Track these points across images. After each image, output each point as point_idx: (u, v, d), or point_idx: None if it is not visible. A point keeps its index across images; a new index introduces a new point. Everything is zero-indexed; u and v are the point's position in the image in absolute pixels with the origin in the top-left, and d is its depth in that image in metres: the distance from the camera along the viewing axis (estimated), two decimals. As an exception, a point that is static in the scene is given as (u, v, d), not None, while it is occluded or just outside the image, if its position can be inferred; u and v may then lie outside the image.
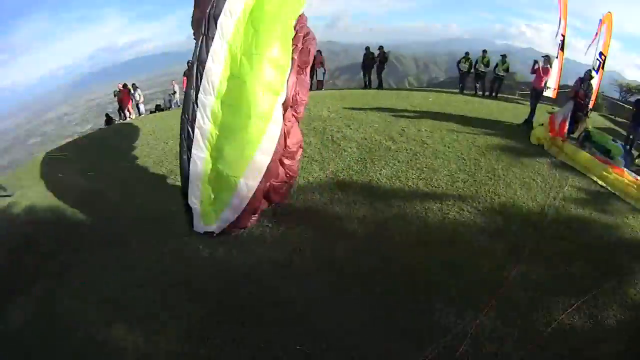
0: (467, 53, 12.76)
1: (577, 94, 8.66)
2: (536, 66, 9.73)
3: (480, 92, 12.69)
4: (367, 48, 13.33)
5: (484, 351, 4.01)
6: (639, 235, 5.89)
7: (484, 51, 12.40)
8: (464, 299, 4.43)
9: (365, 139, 7.59)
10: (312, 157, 6.94)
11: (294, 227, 5.35)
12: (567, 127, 8.16)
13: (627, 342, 4.33)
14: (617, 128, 12.15)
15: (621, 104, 17.32)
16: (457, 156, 7.09)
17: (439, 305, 4.33)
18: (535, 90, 9.73)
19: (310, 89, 13.60)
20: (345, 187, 6.15)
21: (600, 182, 7.07)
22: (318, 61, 12.87)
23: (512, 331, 4.21)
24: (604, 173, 7.24)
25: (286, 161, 5.35)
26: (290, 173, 5.52)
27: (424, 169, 6.66)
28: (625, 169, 7.61)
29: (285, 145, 5.12)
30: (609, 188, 6.97)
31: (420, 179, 6.38)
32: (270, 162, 4.82)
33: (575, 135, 8.84)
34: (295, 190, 6.04)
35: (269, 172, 4.90)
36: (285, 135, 5.03)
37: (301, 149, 5.87)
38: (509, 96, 14.17)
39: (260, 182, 4.87)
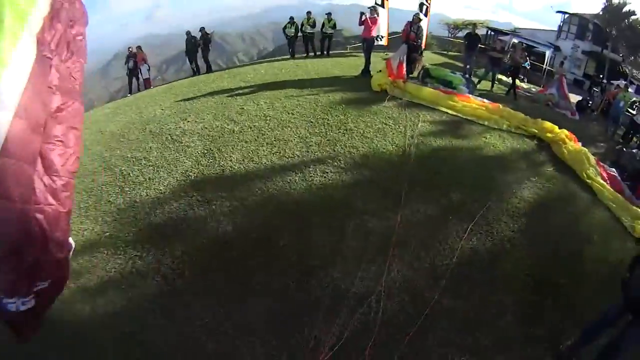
0: (291, 18, 12.73)
1: (408, 36, 9.37)
2: (363, 17, 10.13)
3: (312, 54, 12.86)
4: (188, 33, 12.48)
5: (400, 300, 4.09)
6: (501, 150, 6.72)
7: (309, 12, 12.62)
8: (370, 258, 4.39)
9: (206, 128, 6.87)
10: (157, 164, 6.02)
11: (163, 249, 4.66)
12: (404, 68, 8.69)
13: (526, 246, 4.86)
14: (451, 61, 14.04)
15: (451, 39, 20.48)
16: (303, 121, 6.88)
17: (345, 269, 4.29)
18: (366, 40, 10.20)
19: (138, 90, 12.40)
20: (199, 185, 5.50)
21: (450, 112, 7.65)
22: (140, 58, 12.18)
23: (420, 274, 4.38)
24: (451, 102, 7.89)
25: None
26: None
27: (274, 142, 6.31)
28: (470, 95, 8.50)
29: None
30: (460, 115, 7.62)
31: (273, 154, 6.02)
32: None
33: (415, 74, 9.65)
34: (149, 207, 5.25)
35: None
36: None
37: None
38: (342, 51, 15.01)
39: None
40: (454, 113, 7.65)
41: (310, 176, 5.51)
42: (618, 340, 3.31)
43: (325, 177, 5.51)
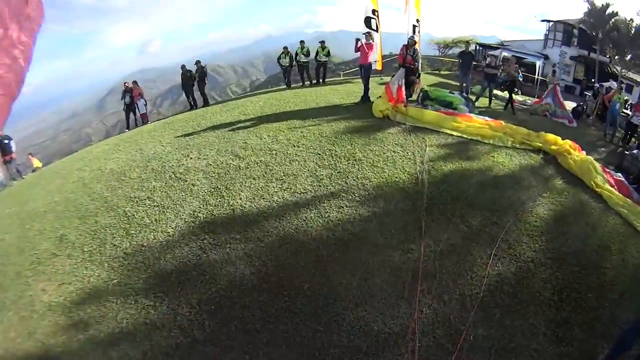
0: (285, 47, 12.85)
1: (405, 60, 9.48)
2: (359, 44, 10.18)
3: (308, 82, 12.96)
4: (183, 67, 12.50)
5: (435, 335, 3.98)
6: (510, 168, 6.71)
7: (302, 42, 12.69)
8: (398, 294, 4.32)
9: (210, 164, 6.75)
10: (162, 205, 5.85)
11: (178, 297, 4.45)
12: (404, 92, 8.73)
13: (550, 264, 4.83)
14: (446, 80, 14.26)
15: (441, 58, 20.96)
16: (310, 153, 6.80)
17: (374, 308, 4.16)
18: (363, 67, 10.16)
19: (136, 125, 12.45)
20: (210, 227, 5.33)
21: (454, 134, 7.67)
22: (136, 93, 12.25)
23: (450, 306, 4.27)
24: (455, 124, 7.93)
25: None
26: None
27: (283, 177, 6.18)
28: (471, 115, 8.54)
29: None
30: (465, 135, 7.64)
31: (284, 190, 5.88)
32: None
33: (414, 97, 9.67)
34: (158, 251, 5.05)
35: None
36: None
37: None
38: (336, 79, 15.23)
39: None
40: (459, 134, 7.68)
41: (326, 212, 5.39)
42: None
43: (341, 212, 5.39)
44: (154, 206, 5.84)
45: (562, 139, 7.54)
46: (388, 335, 3.90)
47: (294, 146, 7.10)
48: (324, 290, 4.33)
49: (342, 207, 5.47)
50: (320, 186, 5.93)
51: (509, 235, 5.14)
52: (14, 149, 10.87)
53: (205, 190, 6.06)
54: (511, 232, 5.19)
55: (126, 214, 5.77)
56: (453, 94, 9.72)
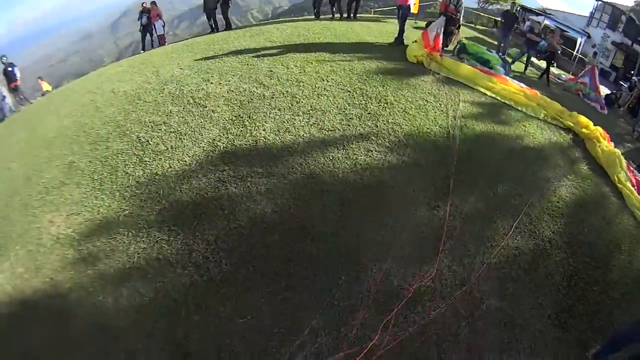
0: (318, -24, 11.79)
1: (447, 8, 8.76)
2: None
3: (338, 15, 12.09)
4: None
5: (452, 299, 3.97)
6: (540, 142, 6.49)
7: (336, -29, 11.62)
8: (422, 252, 4.25)
9: (232, 91, 6.30)
10: (179, 131, 5.46)
11: (193, 232, 4.23)
12: (441, 41, 8.20)
13: (564, 248, 4.78)
14: (481, 36, 13.45)
15: (479, 13, 19.65)
16: (340, 90, 6.39)
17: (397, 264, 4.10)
18: (401, 7, 9.46)
19: (152, 46, 11.67)
20: (230, 158, 5.01)
21: (488, 93, 7.36)
22: (154, 14, 11.44)
23: (469, 271, 4.24)
24: (490, 83, 7.57)
25: None
26: None
27: (311, 111, 5.81)
28: (508, 79, 8.14)
29: None
30: (498, 98, 7.34)
31: (311, 125, 5.55)
32: None
33: (450, 48, 9.13)
34: (173, 181, 4.75)
35: None
36: None
37: None
38: (365, 15, 14.16)
39: None
40: (493, 95, 7.38)
41: (354, 154, 5.13)
42: None
43: (370, 156, 5.15)
44: (170, 132, 5.45)
45: (594, 125, 7.29)
46: (407, 292, 3.86)
47: (323, 80, 6.66)
48: (348, 238, 4.20)
49: (371, 150, 5.23)
50: (349, 125, 5.63)
51: (531, 210, 5.07)
52: (18, 75, 10.86)
53: (226, 118, 5.67)
54: (534, 208, 5.12)
55: (140, 139, 5.39)
56: (491, 52, 9.20)
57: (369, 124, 5.69)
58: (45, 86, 13.07)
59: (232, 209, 4.41)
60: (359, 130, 5.55)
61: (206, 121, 5.62)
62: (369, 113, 5.90)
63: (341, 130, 5.51)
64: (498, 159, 5.70)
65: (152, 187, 4.72)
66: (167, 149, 5.20)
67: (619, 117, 11.25)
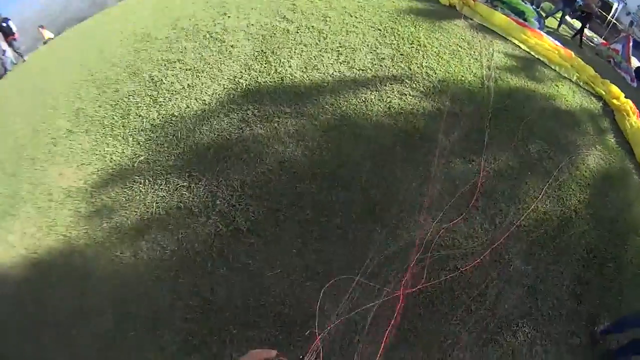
0: None
1: None
2: None
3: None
4: None
5: (482, 259, 3.90)
6: (572, 105, 6.29)
7: None
8: (455, 207, 4.10)
9: (252, 25, 5.81)
10: (195, 68, 5.06)
11: (217, 178, 3.96)
12: None
13: (588, 220, 4.71)
14: None
15: None
16: (370, 27, 5.98)
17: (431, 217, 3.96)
18: None
19: None
20: (254, 96, 4.66)
21: (522, 47, 7.07)
22: None
23: (500, 231, 4.15)
24: (524, 36, 7.23)
25: None
26: None
27: (339, 49, 5.43)
28: (542, 34, 7.75)
29: None
30: (532, 53, 7.04)
31: (341, 63, 5.20)
32: None
33: None
34: (192, 122, 4.42)
35: None
36: None
37: None
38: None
39: None
40: (527, 49, 7.11)
41: (387, 97, 4.85)
42: None
43: (404, 100, 4.87)
44: (186, 70, 5.03)
45: (624, 97, 7.04)
46: (439, 247, 3.77)
47: (351, 16, 6.21)
48: (383, 187, 4.00)
49: (405, 94, 4.96)
50: (381, 66, 5.31)
51: (560, 175, 4.96)
52: (14, 29, 10.72)
53: (248, 53, 5.23)
54: (562, 173, 5.00)
55: (152, 79, 4.98)
56: (525, 3, 8.68)
57: (402, 65, 5.37)
58: (47, 34, 12.32)
59: (259, 152, 4.13)
60: (392, 71, 5.24)
61: (225, 57, 5.20)
62: (401, 54, 5.57)
63: (372, 70, 5.19)
64: (531, 117, 5.50)
65: (169, 130, 4.40)
66: (184, 87, 4.82)
67: (648, 93, 10.95)
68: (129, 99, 4.85)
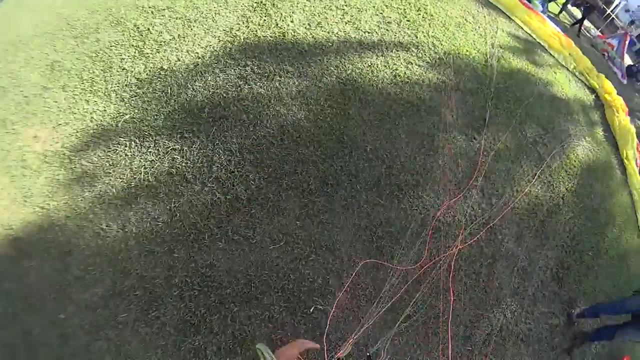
0: None
1: None
2: None
3: None
4: None
5: (479, 237, 4.00)
6: (567, 93, 6.50)
7: None
8: (456, 183, 4.17)
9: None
10: (187, 17, 4.64)
11: (212, 140, 3.72)
12: None
13: (574, 207, 4.96)
14: None
15: None
16: None
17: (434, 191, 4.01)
18: None
19: None
20: (253, 51, 4.35)
21: (525, 28, 7.21)
22: None
23: (495, 212, 4.27)
24: (527, 18, 7.34)
25: None
26: None
27: (345, 7, 5.17)
28: (545, 18, 7.88)
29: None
30: (534, 36, 7.21)
31: (346, 23, 4.96)
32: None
33: None
34: (183, 77, 4.10)
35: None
36: None
37: None
38: None
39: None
40: (529, 31, 7.27)
41: (394, 63, 4.74)
42: (617, 327, 3.94)
43: (409, 69, 4.78)
44: (176, 19, 4.58)
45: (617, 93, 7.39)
46: (440, 222, 3.83)
47: None
48: (387, 157, 3.94)
49: (412, 63, 4.88)
50: (387, 30, 5.16)
51: (552, 162, 5.16)
52: None
53: (245, 4, 4.84)
54: (554, 160, 5.21)
55: (138, 28, 4.50)
56: (531, -16, 8.69)
57: (408, 32, 5.27)
58: None
59: (258, 113, 3.87)
60: (398, 37, 5.11)
61: (220, 6, 4.79)
62: (407, 20, 5.44)
63: (379, 34, 5.02)
64: (529, 101, 5.63)
65: (157, 85, 4.04)
66: (173, 38, 4.41)
67: (637, 91, 11.31)
68: (110, 50, 4.42)
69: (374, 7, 5.36)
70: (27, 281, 3.05)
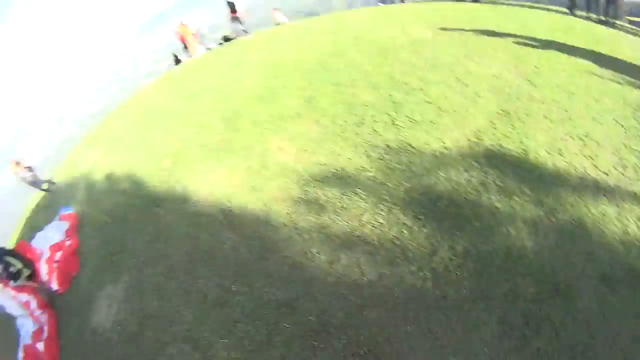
0: None
1: None
2: None
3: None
4: None
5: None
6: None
7: None
8: None
9: (496, 77, 5.76)
10: (438, 105, 5.17)
11: (438, 226, 3.97)
12: None
13: None
14: None
15: None
16: (613, 121, 5.34)
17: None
18: None
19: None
20: (496, 161, 4.49)
21: None
22: None
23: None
24: None
25: None
26: None
27: (585, 138, 4.94)
28: None
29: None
30: None
31: (585, 157, 4.70)
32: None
33: None
34: (429, 163, 4.44)
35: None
36: None
37: None
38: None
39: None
40: None
41: (627, 219, 4.09)
42: None
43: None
44: (427, 102, 5.13)
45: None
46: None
47: (596, 101, 5.64)
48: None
49: None
50: (623, 176, 4.58)
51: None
52: (239, 7, 13.05)
53: (492, 110, 5.14)
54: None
55: (392, 99, 5.12)
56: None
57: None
58: (280, 18, 14.07)
59: (490, 226, 3.98)
60: (634, 188, 4.59)
61: (470, 104, 5.26)
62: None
63: (614, 178, 4.61)
64: None
65: (404, 159, 4.46)
66: (424, 120, 4.92)
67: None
68: (365, 108, 4.99)
69: (612, 144, 5.01)
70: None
